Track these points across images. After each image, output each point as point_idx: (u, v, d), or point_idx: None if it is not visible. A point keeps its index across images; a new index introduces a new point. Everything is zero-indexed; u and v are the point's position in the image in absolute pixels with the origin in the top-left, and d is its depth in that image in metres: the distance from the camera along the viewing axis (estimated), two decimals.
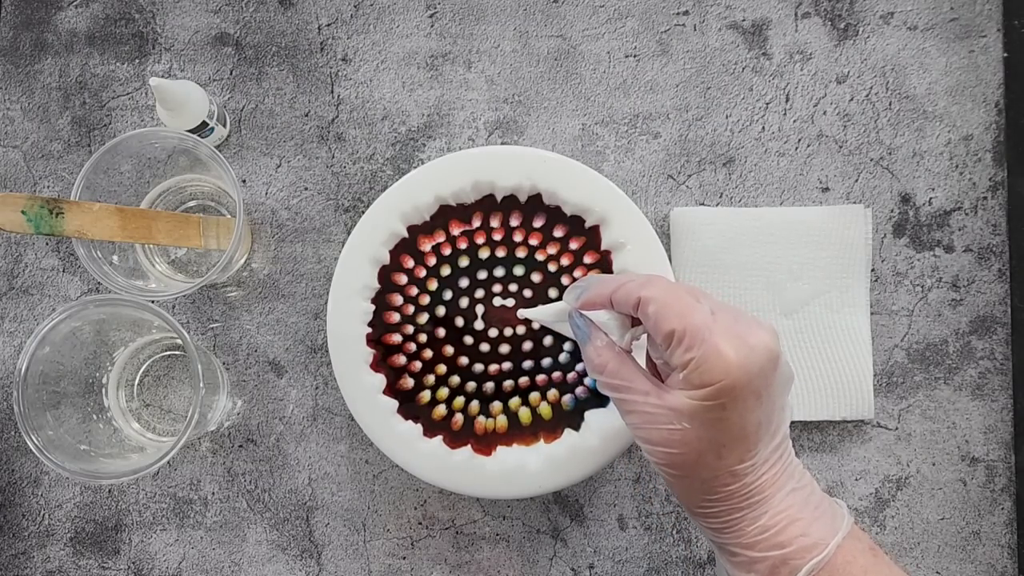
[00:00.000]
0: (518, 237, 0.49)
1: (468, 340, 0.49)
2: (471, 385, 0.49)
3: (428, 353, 0.49)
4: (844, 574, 0.34)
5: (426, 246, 0.49)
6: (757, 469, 0.35)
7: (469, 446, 0.48)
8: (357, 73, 0.55)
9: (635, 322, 0.39)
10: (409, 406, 0.48)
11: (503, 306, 0.49)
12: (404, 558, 0.53)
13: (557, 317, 0.43)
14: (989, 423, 0.52)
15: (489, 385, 0.49)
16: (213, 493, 0.54)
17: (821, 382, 0.51)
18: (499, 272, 0.49)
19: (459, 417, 0.48)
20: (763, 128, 0.54)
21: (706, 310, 0.34)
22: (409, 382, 0.48)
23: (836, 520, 0.36)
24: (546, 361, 0.49)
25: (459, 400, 0.48)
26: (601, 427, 0.47)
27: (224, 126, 0.54)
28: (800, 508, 0.35)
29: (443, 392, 0.49)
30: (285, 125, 0.55)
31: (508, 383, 0.49)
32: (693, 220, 0.52)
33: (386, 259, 0.48)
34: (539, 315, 0.44)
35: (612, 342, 0.38)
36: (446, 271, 0.49)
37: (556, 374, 0.48)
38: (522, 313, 0.46)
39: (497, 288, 0.49)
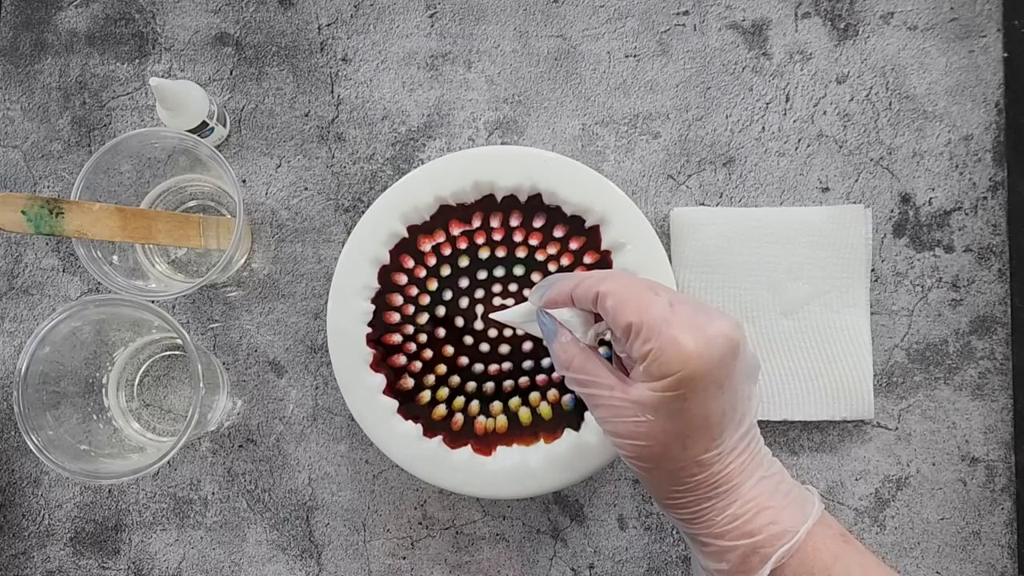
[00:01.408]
0: (518, 237, 0.49)
1: (468, 340, 0.49)
2: (471, 385, 0.49)
3: (428, 353, 0.49)
4: (814, 560, 0.34)
5: (426, 246, 0.49)
6: (724, 458, 0.35)
7: (469, 446, 0.48)
8: (357, 73, 0.55)
9: (598, 318, 0.39)
10: (409, 406, 0.48)
11: (503, 306, 0.49)
12: (404, 558, 0.53)
13: (525, 318, 0.42)
14: (989, 423, 0.52)
15: (489, 385, 0.49)
16: (213, 493, 0.54)
17: (821, 382, 0.51)
18: (499, 272, 0.49)
19: (459, 417, 0.48)
20: (763, 128, 0.54)
21: (664, 302, 0.35)
22: (409, 382, 0.49)
23: (806, 507, 0.36)
24: (546, 361, 0.49)
25: (459, 400, 0.49)
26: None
27: (224, 126, 0.54)
28: (769, 496, 0.35)
29: (443, 392, 0.49)
30: (285, 125, 0.55)
31: (508, 383, 0.49)
32: (693, 220, 0.52)
33: (386, 259, 0.48)
34: (508, 317, 0.43)
35: (576, 339, 0.39)
36: (446, 271, 0.49)
37: (556, 374, 0.48)
38: (492, 316, 0.45)
39: (497, 288, 0.49)
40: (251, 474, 0.54)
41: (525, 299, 0.48)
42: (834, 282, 0.52)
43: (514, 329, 0.49)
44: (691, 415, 0.34)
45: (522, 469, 0.47)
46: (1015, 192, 0.53)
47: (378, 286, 0.48)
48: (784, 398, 0.52)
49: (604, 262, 0.48)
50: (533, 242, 0.49)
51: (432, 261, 0.49)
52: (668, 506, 0.37)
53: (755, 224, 0.52)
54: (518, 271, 0.49)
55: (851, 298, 0.52)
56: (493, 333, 0.49)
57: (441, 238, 0.49)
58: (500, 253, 0.49)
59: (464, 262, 0.49)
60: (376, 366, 0.48)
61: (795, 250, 0.52)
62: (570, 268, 0.48)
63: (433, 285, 0.49)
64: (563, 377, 0.48)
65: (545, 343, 0.40)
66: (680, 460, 0.35)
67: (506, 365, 0.49)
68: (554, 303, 0.39)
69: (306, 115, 0.55)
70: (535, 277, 0.49)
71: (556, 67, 0.55)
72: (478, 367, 0.49)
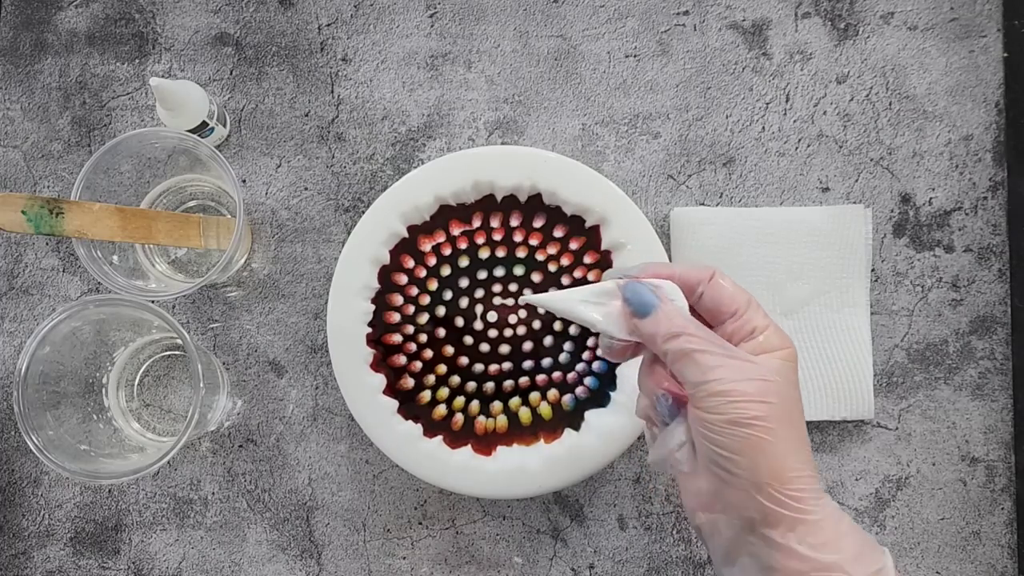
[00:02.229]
0: (518, 237, 0.49)
1: (468, 340, 0.49)
2: (471, 385, 0.49)
3: (428, 353, 0.49)
4: None
5: (426, 246, 0.49)
6: None
7: (469, 446, 0.48)
8: (357, 73, 0.55)
9: None
10: (409, 406, 0.48)
11: (503, 306, 0.49)
12: (404, 558, 0.53)
13: (587, 297, 0.38)
14: (989, 423, 0.52)
15: (489, 385, 0.49)
16: (213, 493, 0.54)
17: (821, 382, 0.51)
18: (499, 272, 0.49)
19: (459, 417, 0.48)
20: (763, 128, 0.54)
21: None
22: (409, 382, 0.49)
23: None
24: (546, 361, 0.49)
25: (459, 400, 0.49)
26: (601, 427, 0.47)
27: (224, 126, 0.54)
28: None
29: (443, 392, 0.49)
30: (285, 125, 0.55)
31: (508, 383, 0.49)
32: (693, 220, 0.52)
33: (386, 259, 0.48)
34: (558, 297, 0.39)
35: (680, 308, 0.37)
36: (446, 271, 0.49)
37: (556, 374, 0.48)
38: (529, 299, 0.39)
39: (497, 288, 0.49)
40: (251, 474, 0.54)
41: None
42: (834, 282, 0.52)
43: (514, 329, 0.48)
44: (797, 392, 0.36)
45: (522, 469, 0.47)
46: (1015, 192, 0.53)
47: (378, 286, 0.48)
48: None
49: (604, 262, 0.48)
50: (533, 242, 0.49)
51: (432, 261, 0.49)
52: (793, 479, 0.34)
53: (755, 224, 0.52)
54: (518, 271, 0.49)
55: (851, 298, 0.52)
56: (493, 333, 0.49)
57: (441, 238, 0.49)
58: (500, 253, 0.49)
59: (464, 262, 0.49)
60: (376, 366, 0.48)
61: (795, 250, 0.52)
62: (570, 268, 0.48)
63: (433, 285, 0.49)
64: (563, 377, 0.48)
65: (634, 314, 0.37)
66: (800, 426, 0.35)
67: (506, 365, 0.49)
68: (658, 276, 0.38)
69: (306, 115, 0.55)
70: (535, 277, 0.49)
71: (556, 67, 0.55)
72: (478, 367, 0.49)
